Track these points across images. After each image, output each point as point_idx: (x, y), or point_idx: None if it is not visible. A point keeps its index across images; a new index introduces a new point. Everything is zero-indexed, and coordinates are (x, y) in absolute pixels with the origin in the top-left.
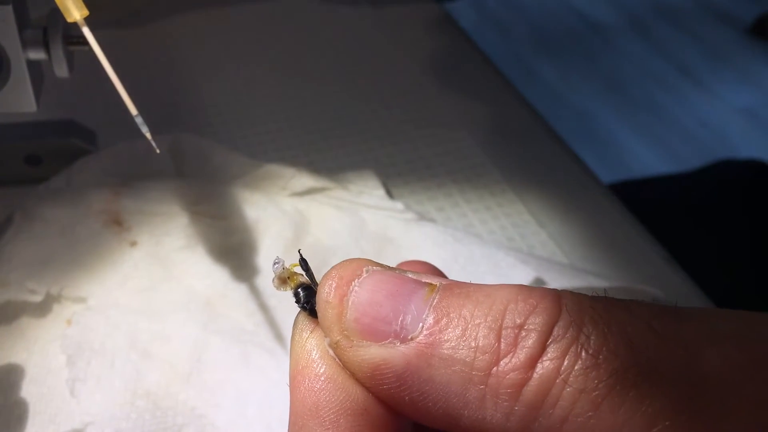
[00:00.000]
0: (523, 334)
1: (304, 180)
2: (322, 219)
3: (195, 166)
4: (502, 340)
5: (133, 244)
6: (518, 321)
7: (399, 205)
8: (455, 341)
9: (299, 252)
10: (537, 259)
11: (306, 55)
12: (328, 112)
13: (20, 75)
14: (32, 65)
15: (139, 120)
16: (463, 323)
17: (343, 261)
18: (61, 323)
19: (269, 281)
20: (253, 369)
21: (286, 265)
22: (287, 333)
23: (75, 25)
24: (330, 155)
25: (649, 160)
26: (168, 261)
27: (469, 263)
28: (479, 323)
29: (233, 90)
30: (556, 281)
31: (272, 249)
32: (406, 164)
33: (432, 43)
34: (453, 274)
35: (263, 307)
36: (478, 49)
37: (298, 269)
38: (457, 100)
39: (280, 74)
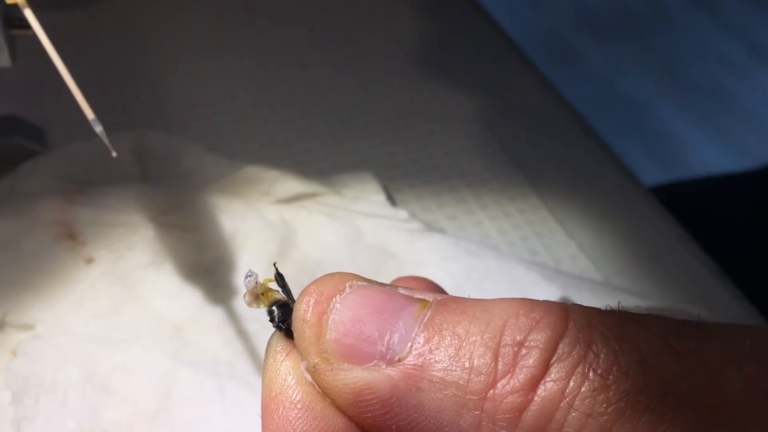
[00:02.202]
0: (524, 352)
1: (291, 184)
2: (311, 230)
3: (162, 168)
4: (499, 359)
5: (89, 260)
6: (518, 338)
7: (402, 213)
8: (447, 362)
9: (275, 265)
10: (564, 275)
11: (292, 37)
12: (318, 103)
13: None
14: None
15: (91, 117)
16: (457, 342)
17: (324, 275)
18: (4, 354)
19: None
20: (230, 406)
21: (260, 280)
22: None
23: (16, 6)
24: (321, 154)
25: (712, 156)
26: (130, 280)
27: (485, 281)
28: (475, 341)
29: (207, 79)
30: (587, 301)
31: (253, 265)
32: (412, 164)
33: (442, 20)
34: (466, 292)
35: (242, 334)
36: (496, 27)
37: (274, 285)
38: (472, 88)
39: (261, 60)
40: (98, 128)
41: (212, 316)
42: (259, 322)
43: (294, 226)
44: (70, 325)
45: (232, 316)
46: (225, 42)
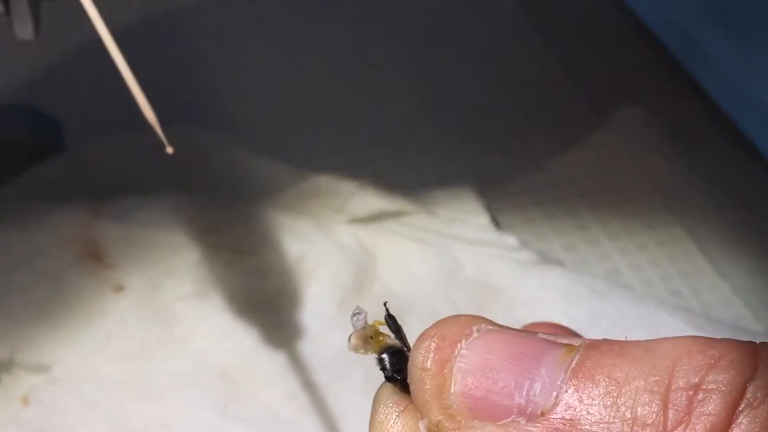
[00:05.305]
0: (701, 396)
1: (370, 199)
2: (395, 258)
3: (210, 176)
4: (670, 406)
5: (119, 289)
6: (694, 380)
7: (511, 239)
8: (604, 413)
9: (385, 305)
10: (715, 324)
11: (373, 13)
12: (405, 100)
13: None
14: None
15: (142, 102)
16: (615, 388)
17: (446, 318)
18: (13, 402)
19: (316, 347)
20: None
21: (369, 320)
22: (345, 424)
23: None
24: (407, 164)
25: None
26: (169, 314)
27: (617, 327)
28: (637, 386)
29: (263, 66)
30: None
31: (322, 299)
32: (521, 180)
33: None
34: None
35: (309, 386)
36: (632, 15)
37: (384, 328)
38: (591, 83)
39: (331, 43)
40: (150, 114)
41: (270, 362)
42: (331, 372)
43: (374, 253)
44: (95, 368)
45: (296, 363)
46: (286, 20)
